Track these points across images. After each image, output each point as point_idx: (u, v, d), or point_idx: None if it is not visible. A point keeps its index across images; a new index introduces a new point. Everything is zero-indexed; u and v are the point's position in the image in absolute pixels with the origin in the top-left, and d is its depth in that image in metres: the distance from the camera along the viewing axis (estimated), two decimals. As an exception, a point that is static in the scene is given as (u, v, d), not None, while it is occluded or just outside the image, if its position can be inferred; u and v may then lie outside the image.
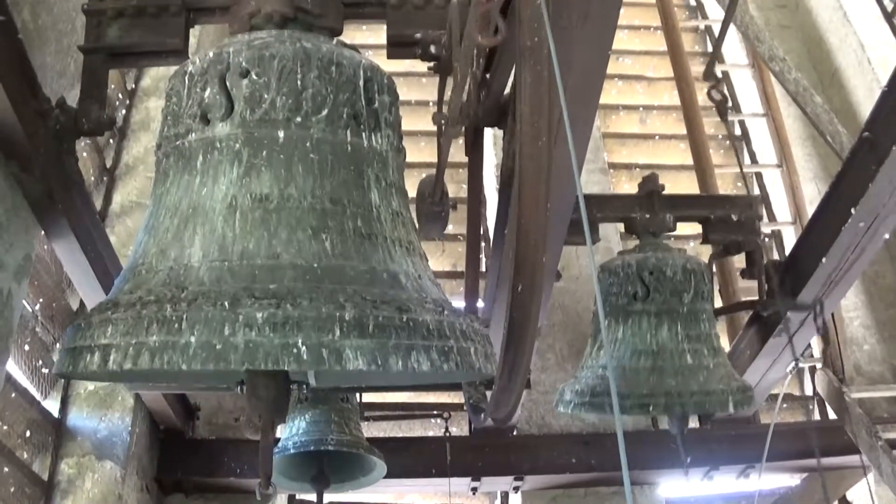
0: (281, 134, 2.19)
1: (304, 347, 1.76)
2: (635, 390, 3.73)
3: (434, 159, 3.79)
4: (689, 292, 3.94)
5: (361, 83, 2.35)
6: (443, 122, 3.52)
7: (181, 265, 2.02)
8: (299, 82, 2.25)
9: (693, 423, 4.02)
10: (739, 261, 4.86)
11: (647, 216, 4.37)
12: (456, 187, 7.47)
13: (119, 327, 1.85)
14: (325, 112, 2.24)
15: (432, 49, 3.44)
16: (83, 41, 3.58)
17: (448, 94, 3.40)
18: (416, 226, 2.50)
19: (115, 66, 3.69)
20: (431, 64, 3.51)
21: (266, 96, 2.22)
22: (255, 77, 2.24)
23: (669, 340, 3.87)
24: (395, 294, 2.00)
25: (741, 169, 7.46)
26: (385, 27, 3.53)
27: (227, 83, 2.25)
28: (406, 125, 2.57)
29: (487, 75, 3.37)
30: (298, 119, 2.21)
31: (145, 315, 1.83)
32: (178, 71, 2.41)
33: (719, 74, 9.02)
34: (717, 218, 4.61)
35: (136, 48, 3.58)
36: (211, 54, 2.33)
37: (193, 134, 2.25)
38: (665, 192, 4.49)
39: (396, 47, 3.53)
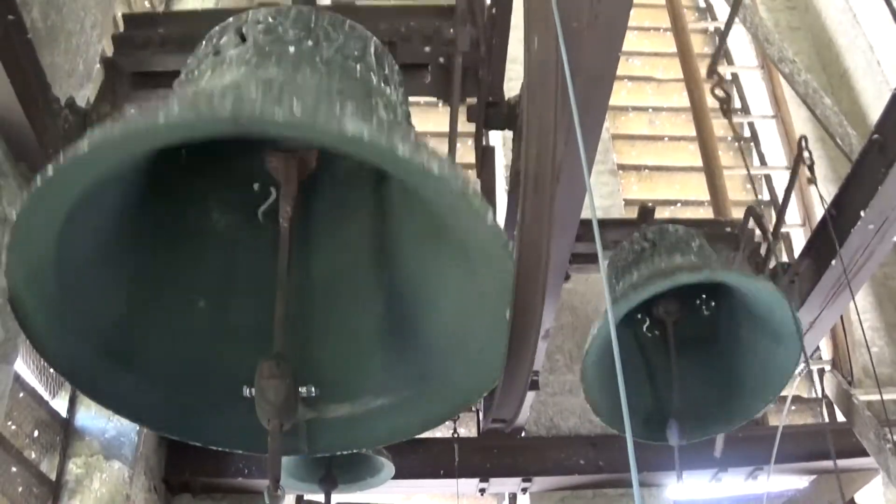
0: (291, 48, 2.16)
1: (297, 104, 1.61)
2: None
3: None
4: (695, 242, 3.92)
5: (372, 48, 2.35)
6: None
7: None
8: (313, 24, 2.26)
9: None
10: (748, 263, 4.86)
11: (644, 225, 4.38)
12: (465, 189, 7.46)
13: (100, 128, 1.71)
14: (336, 45, 2.24)
15: (441, 60, 3.45)
16: (105, 54, 3.62)
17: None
18: None
19: (136, 88, 3.72)
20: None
21: (280, 29, 2.22)
22: (270, 20, 2.25)
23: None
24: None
25: (747, 171, 7.47)
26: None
27: (243, 29, 2.26)
28: (415, 126, 2.57)
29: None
30: (310, 42, 2.20)
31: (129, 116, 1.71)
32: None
33: (728, 76, 9.03)
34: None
35: (158, 70, 3.63)
36: (231, 18, 2.35)
37: (204, 64, 2.24)
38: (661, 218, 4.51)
39: (407, 71, 3.56)
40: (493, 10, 3.58)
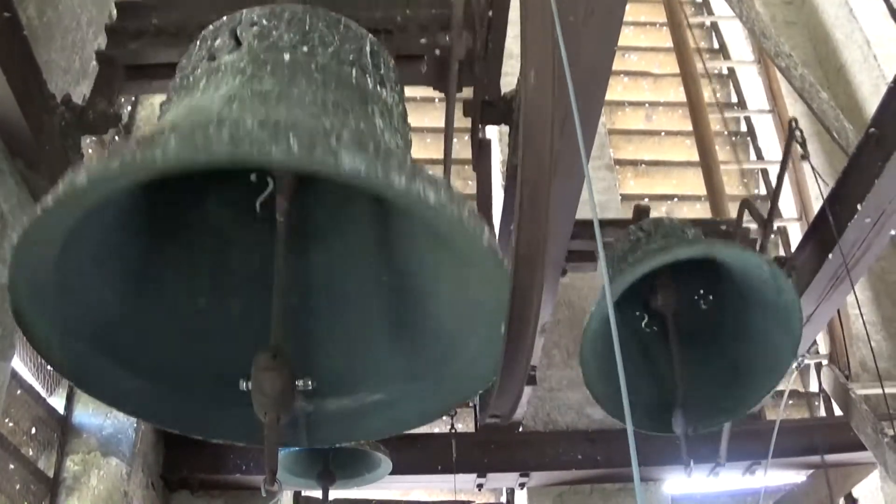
0: (286, 56, 2.16)
1: (295, 141, 1.60)
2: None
3: (440, 156, 3.79)
4: (690, 231, 3.91)
5: (368, 47, 2.35)
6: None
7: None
8: (307, 26, 2.25)
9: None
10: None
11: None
12: (462, 184, 7.47)
13: (99, 160, 1.71)
14: (331, 49, 2.23)
15: (437, 52, 3.45)
16: (99, 47, 3.61)
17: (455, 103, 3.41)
18: None
19: (130, 82, 3.72)
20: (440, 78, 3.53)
21: (274, 33, 2.21)
22: (264, 23, 2.25)
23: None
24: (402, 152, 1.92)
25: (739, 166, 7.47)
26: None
27: (238, 31, 2.25)
28: (411, 122, 2.57)
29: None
30: (304, 48, 2.19)
31: (125, 145, 1.69)
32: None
33: (724, 70, 9.04)
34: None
35: (152, 63, 3.62)
36: (224, 18, 2.34)
37: (199, 69, 2.24)
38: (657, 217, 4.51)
39: (402, 62, 3.55)
40: (490, 13, 3.57)
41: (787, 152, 4.56)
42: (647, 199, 8.82)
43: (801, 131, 4.34)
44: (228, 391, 2.20)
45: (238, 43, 2.24)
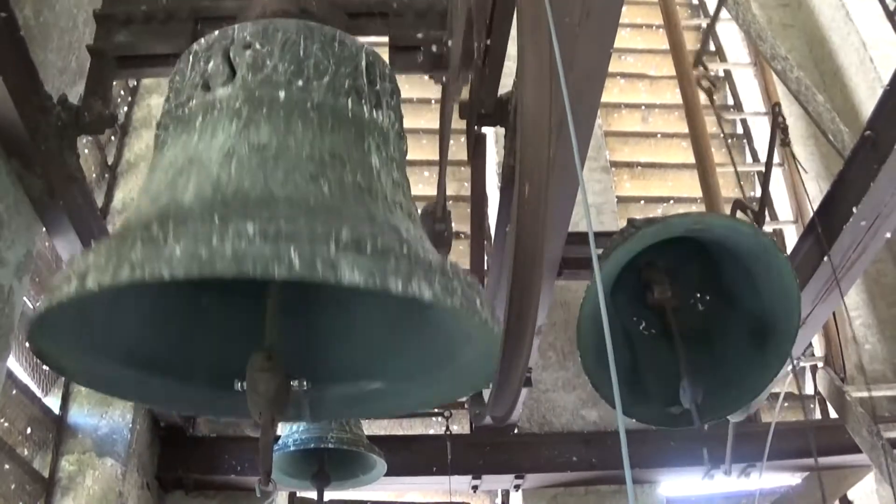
0: (282, 94, 2.16)
1: (296, 255, 1.66)
2: None
3: (436, 157, 3.79)
4: None
5: (363, 63, 2.35)
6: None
7: (172, 202, 1.96)
8: (302, 52, 2.25)
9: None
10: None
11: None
12: (458, 185, 7.47)
13: (101, 252, 1.75)
14: (326, 79, 2.23)
15: (433, 48, 3.44)
16: (91, 42, 3.60)
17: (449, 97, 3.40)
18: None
19: (122, 70, 3.70)
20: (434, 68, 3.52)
21: (268, 62, 2.21)
22: (258, 47, 2.24)
23: None
24: (397, 234, 1.95)
25: (735, 169, 7.47)
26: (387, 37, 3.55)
27: (231, 54, 2.25)
28: (408, 123, 2.57)
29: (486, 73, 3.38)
30: (300, 83, 2.20)
31: (129, 237, 1.73)
32: (184, 54, 2.42)
33: (720, 72, 9.03)
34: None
35: (143, 53, 3.60)
36: (216, 33, 2.34)
37: (194, 100, 2.24)
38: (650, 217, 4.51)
39: (399, 52, 3.54)
40: (492, 15, 3.56)
41: (772, 138, 4.57)
42: (642, 202, 8.84)
43: (784, 117, 4.34)
44: (227, 383, 2.22)
45: (232, 70, 2.23)
